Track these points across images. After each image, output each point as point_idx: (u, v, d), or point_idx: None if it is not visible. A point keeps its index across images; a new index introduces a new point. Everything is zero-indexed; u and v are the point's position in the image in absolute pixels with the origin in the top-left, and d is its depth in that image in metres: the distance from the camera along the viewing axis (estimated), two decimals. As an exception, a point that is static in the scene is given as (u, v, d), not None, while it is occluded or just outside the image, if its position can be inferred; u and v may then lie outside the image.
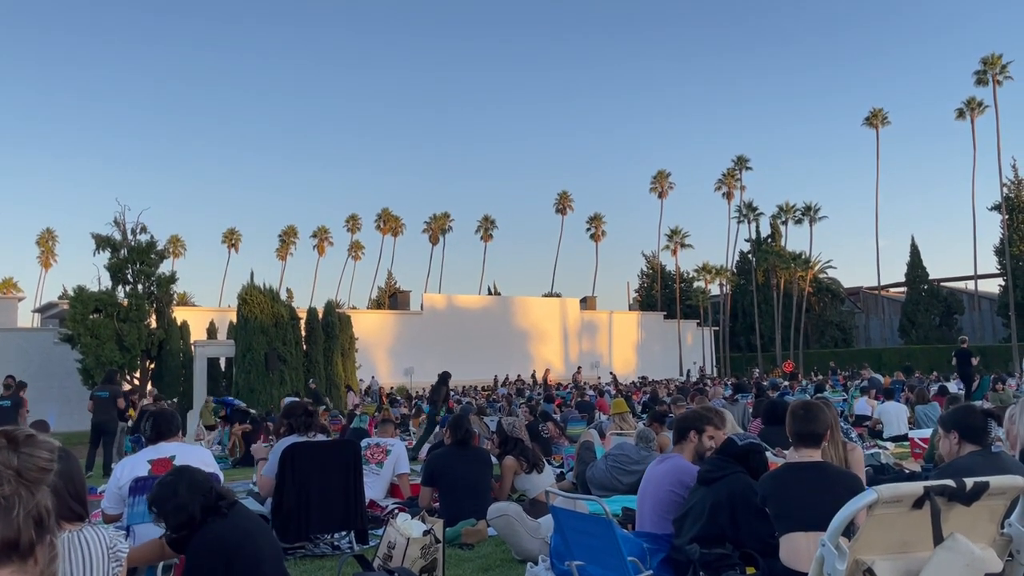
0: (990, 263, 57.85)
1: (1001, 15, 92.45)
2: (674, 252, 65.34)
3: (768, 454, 6.68)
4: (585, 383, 31.91)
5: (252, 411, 17.50)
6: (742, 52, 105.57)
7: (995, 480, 2.28)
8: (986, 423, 3.94)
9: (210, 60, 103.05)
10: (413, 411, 20.77)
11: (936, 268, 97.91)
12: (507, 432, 7.91)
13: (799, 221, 62.91)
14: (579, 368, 39.47)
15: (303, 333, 27.14)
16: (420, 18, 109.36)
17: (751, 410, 12.01)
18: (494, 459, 8.04)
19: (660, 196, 67.43)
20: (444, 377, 16.65)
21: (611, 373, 40.41)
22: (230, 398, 20.15)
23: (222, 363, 28.02)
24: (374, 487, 7.79)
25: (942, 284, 61.55)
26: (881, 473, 8.24)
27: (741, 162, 65.47)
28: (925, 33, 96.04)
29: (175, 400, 24.20)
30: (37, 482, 1.34)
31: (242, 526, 3.56)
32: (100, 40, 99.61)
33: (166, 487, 3.57)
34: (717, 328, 60.42)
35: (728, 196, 65.86)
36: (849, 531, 2.33)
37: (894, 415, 13.26)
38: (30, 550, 1.29)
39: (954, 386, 21.07)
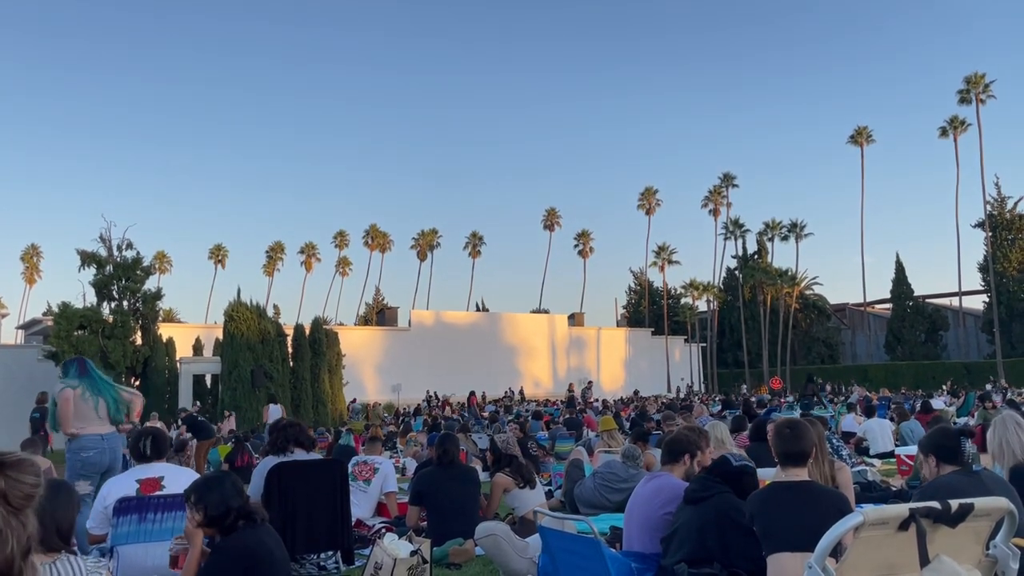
0: (974, 280, 58.43)
1: (984, 35, 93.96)
2: (661, 269, 65.66)
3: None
4: (595, 399, 32.31)
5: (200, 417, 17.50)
6: (727, 70, 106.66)
7: (980, 502, 2.30)
8: (959, 443, 4.00)
9: (197, 75, 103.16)
10: (401, 428, 20.62)
11: (921, 285, 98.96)
12: (501, 449, 7.87)
13: (785, 238, 63.36)
14: (571, 384, 39.41)
15: (290, 350, 27.06)
16: (409, 33, 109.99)
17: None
18: (484, 476, 8.00)
19: (648, 213, 67.79)
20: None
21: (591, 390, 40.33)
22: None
23: (208, 380, 27.85)
24: (361, 505, 7.74)
25: (927, 300, 61.99)
26: (868, 491, 8.22)
27: (727, 179, 65.96)
28: (909, 52, 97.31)
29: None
30: (22, 508, 1.37)
31: (267, 542, 3.72)
32: (85, 54, 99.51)
33: (213, 479, 3.84)
34: (704, 344, 60.58)
35: (715, 213, 66.31)
36: (836, 551, 2.34)
37: (879, 432, 13.29)
38: None
39: (940, 402, 21.16)
